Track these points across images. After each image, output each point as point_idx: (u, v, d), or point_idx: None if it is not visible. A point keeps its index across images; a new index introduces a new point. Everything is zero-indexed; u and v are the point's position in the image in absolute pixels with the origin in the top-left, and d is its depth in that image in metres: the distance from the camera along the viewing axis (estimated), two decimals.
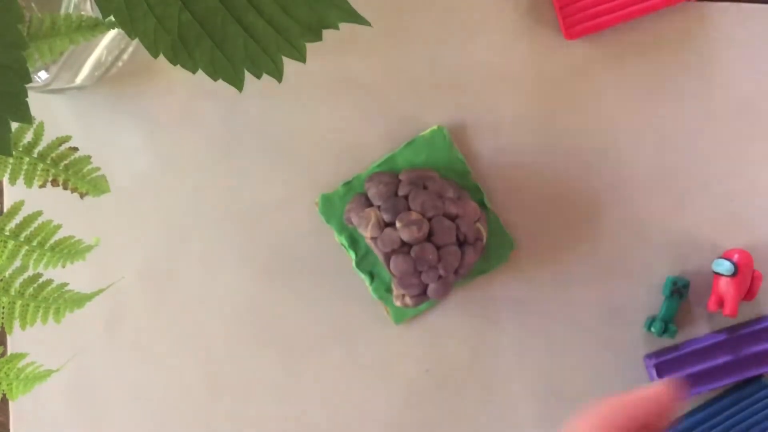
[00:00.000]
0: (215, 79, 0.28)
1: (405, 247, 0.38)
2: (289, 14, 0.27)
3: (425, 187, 0.39)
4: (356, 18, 0.27)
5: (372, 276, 0.41)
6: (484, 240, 0.39)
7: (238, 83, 0.28)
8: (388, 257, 0.38)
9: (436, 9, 0.42)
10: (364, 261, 0.41)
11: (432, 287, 0.38)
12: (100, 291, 0.34)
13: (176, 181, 0.43)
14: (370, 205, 0.39)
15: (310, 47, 0.28)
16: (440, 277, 0.38)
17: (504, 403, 0.42)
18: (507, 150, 0.42)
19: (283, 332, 0.43)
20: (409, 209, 0.38)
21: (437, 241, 0.37)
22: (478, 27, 0.42)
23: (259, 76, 0.28)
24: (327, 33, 0.29)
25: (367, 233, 0.38)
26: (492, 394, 0.42)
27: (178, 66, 0.28)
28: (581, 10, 0.41)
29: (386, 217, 0.38)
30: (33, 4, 0.36)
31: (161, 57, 0.27)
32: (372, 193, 0.39)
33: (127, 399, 0.44)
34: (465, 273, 0.39)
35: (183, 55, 0.27)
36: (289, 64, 0.29)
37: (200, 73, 0.28)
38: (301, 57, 0.28)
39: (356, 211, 0.39)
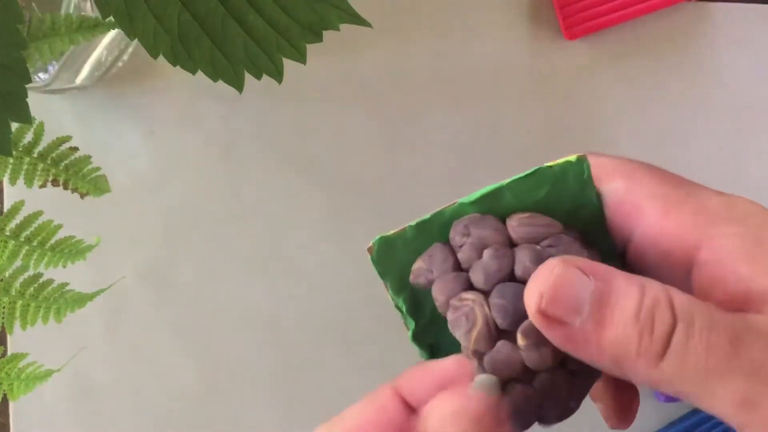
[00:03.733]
0: (215, 80, 0.28)
1: (526, 374, 0.23)
2: (289, 15, 0.27)
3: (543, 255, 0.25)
4: (356, 19, 0.27)
5: (433, 351, 0.27)
6: None
7: (238, 84, 0.28)
8: (498, 389, 0.24)
9: (436, 9, 0.42)
10: (425, 332, 0.27)
11: (548, 418, 0.24)
12: (101, 291, 0.34)
13: (176, 181, 0.43)
14: (463, 278, 0.25)
15: (311, 48, 0.28)
16: (568, 412, 0.24)
17: None
18: (507, 150, 0.42)
19: (284, 332, 0.43)
20: None
21: (572, 364, 0.23)
22: (478, 27, 0.42)
23: (259, 77, 0.28)
24: (327, 34, 0.29)
25: (469, 344, 0.23)
26: None
27: (178, 66, 0.28)
28: (581, 10, 0.41)
29: (501, 322, 0.23)
30: (33, 4, 0.36)
31: (161, 57, 0.27)
32: (467, 256, 0.24)
33: (127, 399, 0.44)
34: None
35: (183, 55, 0.27)
36: (289, 65, 0.29)
37: (200, 73, 0.28)
38: (301, 58, 0.28)
39: (445, 288, 0.25)
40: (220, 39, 0.27)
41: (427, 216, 0.26)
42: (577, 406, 0.24)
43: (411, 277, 0.26)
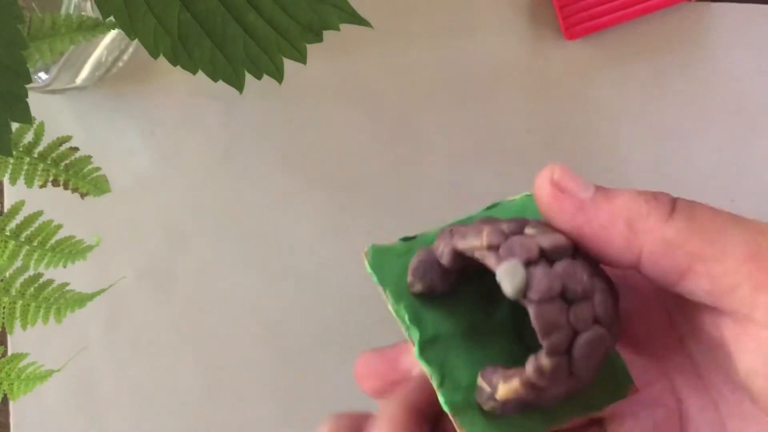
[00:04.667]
0: (215, 80, 0.28)
1: (544, 260, 0.22)
2: (289, 15, 0.27)
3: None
4: (357, 19, 0.27)
5: (443, 374, 0.24)
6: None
7: (238, 84, 0.28)
8: (522, 270, 0.22)
9: (436, 9, 0.42)
10: (432, 348, 0.25)
11: (585, 338, 0.22)
12: (102, 291, 0.34)
13: (176, 181, 0.43)
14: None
15: (311, 48, 0.28)
16: (597, 321, 0.22)
17: None
18: (507, 150, 0.42)
19: (284, 332, 0.43)
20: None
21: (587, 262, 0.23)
22: (478, 27, 0.42)
23: (259, 77, 0.28)
24: (327, 34, 0.29)
25: (481, 241, 0.22)
26: None
27: (179, 67, 0.28)
28: (581, 10, 0.41)
29: (507, 227, 0.23)
30: (33, 4, 0.36)
31: (161, 58, 0.27)
32: (461, 232, 0.24)
33: (127, 399, 0.44)
34: (614, 342, 0.23)
35: (183, 55, 0.27)
36: (289, 65, 0.29)
37: (200, 73, 0.28)
38: (301, 58, 0.28)
39: (443, 238, 0.24)
40: (221, 39, 0.27)
41: (412, 235, 0.26)
42: (606, 327, 0.22)
43: (410, 270, 0.25)
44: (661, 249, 0.20)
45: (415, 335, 0.25)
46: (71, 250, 0.33)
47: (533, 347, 0.22)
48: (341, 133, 0.43)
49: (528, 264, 0.21)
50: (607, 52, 0.42)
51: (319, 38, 0.28)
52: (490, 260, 0.22)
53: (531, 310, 0.21)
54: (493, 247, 0.22)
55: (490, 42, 0.42)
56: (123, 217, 0.43)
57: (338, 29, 0.27)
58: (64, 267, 0.33)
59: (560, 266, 0.22)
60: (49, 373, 0.33)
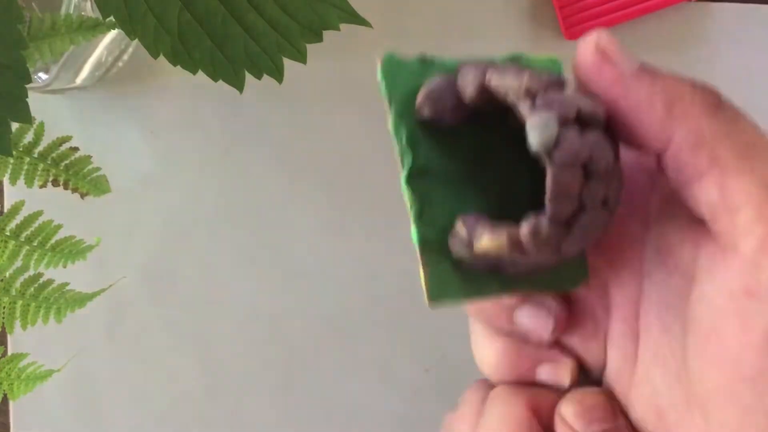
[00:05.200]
0: (215, 80, 0.28)
1: (578, 125, 0.20)
2: (289, 15, 0.27)
3: None
4: (357, 19, 0.27)
5: (422, 206, 0.24)
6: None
7: (238, 84, 0.28)
8: (555, 126, 0.20)
9: (436, 9, 0.42)
10: (420, 179, 0.24)
11: (589, 217, 0.21)
12: (101, 291, 0.34)
13: (176, 181, 0.43)
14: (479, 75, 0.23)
15: (310, 48, 0.28)
16: (605, 204, 0.21)
17: None
18: None
19: (284, 332, 0.43)
20: None
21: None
22: (478, 27, 0.42)
23: (259, 77, 0.28)
24: (327, 34, 0.29)
25: (522, 81, 0.21)
26: None
27: (178, 66, 0.28)
28: (581, 10, 0.41)
29: (548, 78, 0.21)
30: (33, 4, 0.36)
31: (161, 57, 0.27)
32: (497, 70, 0.22)
33: (127, 399, 0.44)
34: (595, 238, 0.22)
35: (183, 55, 0.27)
36: (289, 65, 0.29)
37: (201, 73, 0.28)
38: (301, 58, 0.28)
39: (473, 68, 0.23)
40: (221, 39, 0.27)
41: (429, 56, 0.25)
42: (613, 209, 0.21)
43: (427, 86, 0.24)
44: (693, 141, 0.19)
45: (408, 159, 0.24)
46: (71, 250, 0.33)
47: (523, 212, 0.21)
48: (341, 133, 0.43)
49: (563, 122, 0.20)
50: None
51: (319, 38, 0.28)
52: (524, 106, 0.21)
53: (550, 171, 0.20)
54: (531, 93, 0.21)
55: (490, 42, 0.42)
56: (123, 217, 0.43)
57: (338, 29, 0.27)
58: (64, 267, 0.33)
59: (592, 135, 0.20)
60: (49, 373, 0.33)
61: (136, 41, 0.42)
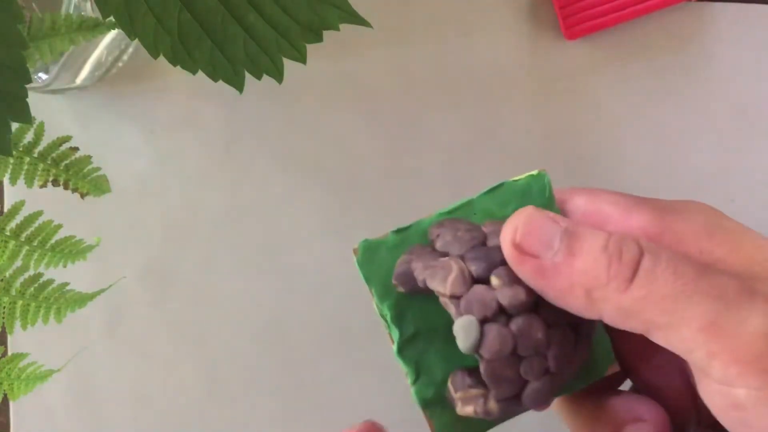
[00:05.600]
0: (215, 80, 0.28)
1: (502, 316, 0.23)
2: (289, 15, 0.27)
3: None
4: (357, 19, 0.27)
5: (418, 371, 0.27)
6: (594, 331, 0.26)
7: (238, 84, 0.28)
8: (476, 329, 0.24)
9: (436, 9, 0.42)
10: (411, 346, 0.27)
11: (534, 387, 0.24)
12: (102, 291, 0.34)
13: (176, 181, 0.43)
14: (440, 254, 0.26)
15: (310, 48, 0.28)
16: (547, 372, 0.24)
17: None
18: (507, 150, 0.42)
19: (284, 332, 0.43)
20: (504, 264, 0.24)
21: (546, 317, 0.24)
22: (478, 27, 0.42)
23: (259, 77, 0.28)
24: (327, 34, 0.29)
25: (445, 288, 0.24)
26: None
27: (179, 67, 0.28)
28: (581, 10, 0.41)
29: (475, 270, 0.24)
30: (33, 4, 0.36)
31: (161, 57, 0.27)
32: (446, 241, 0.25)
33: (127, 399, 0.44)
34: (573, 375, 0.25)
35: (183, 55, 0.27)
36: (289, 65, 0.29)
37: (200, 73, 0.28)
38: (301, 58, 0.28)
39: (423, 260, 0.25)
40: (221, 39, 0.27)
41: (406, 225, 0.27)
42: (558, 373, 0.24)
43: (394, 270, 0.26)
44: (619, 317, 0.21)
45: (395, 334, 0.27)
46: (71, 250, 0.33)
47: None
48: (341, 133, 0.43)
49: (484, 321, 0.23)
50: (607, 52, 0.42)
51: (319, 38, 0.28)
52: (451, 309, 0.24)
53: (481, 365, 0.23)
54: (455, 297, 0.23)
55: (490, 42, 0.42)
56: (123, 217, 0.43)
57: (338, 29, 0.27)
58: (64, 267, 0.33)
59: (516, 324, 0.23)
60: (49, 373, 0.33)
61: (136, 41, 0.42)
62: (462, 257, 0.24)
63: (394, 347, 0.27)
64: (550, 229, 0.22)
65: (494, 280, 0.23)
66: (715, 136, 0.42)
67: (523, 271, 0.22)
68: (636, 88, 0.42)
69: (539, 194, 0.27)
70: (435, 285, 0.24)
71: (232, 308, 0.43)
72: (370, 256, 0.27)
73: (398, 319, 0.27)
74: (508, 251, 0.22)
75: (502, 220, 0.25)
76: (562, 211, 0.26)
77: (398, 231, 0.27)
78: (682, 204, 0.25)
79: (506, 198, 0.27)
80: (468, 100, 0.42)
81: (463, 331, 0.23)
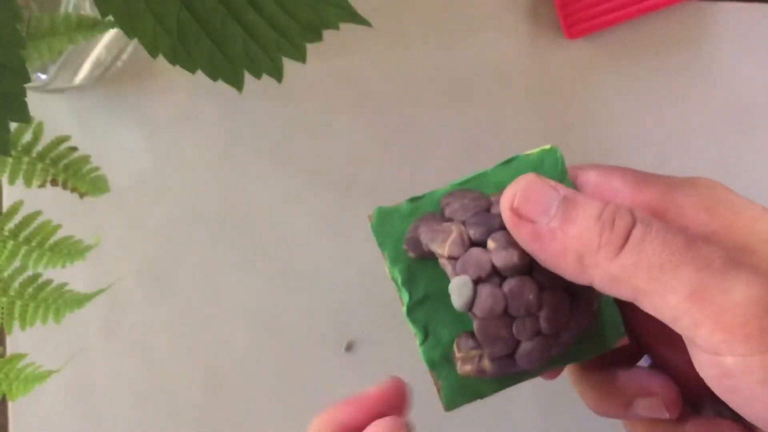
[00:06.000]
0: (215, 80, 0.28)
1: (496, 277, 0.24)
2: (289, 14, 0.27)
3: None
4: (356, 18, 0.27)
5: (426, 332, 0.28)
6: (598, 302, 0.27)
7: (237, 83, 0.28)
8: (470, 288, 0.24)
9: (436, 9, 0.42)
10: (420, 309, 0.28)
11: (525, 347, 0.25)
12: (100, 291, 0.34)
13: (176, 181, 0.43)
14: (446, 220, 0.27)
15: (310, 47, 0.28)
16: (539, 333, 0.25)
17: None
18: (507, 150, 0.42)
19: (284, 331, 0.43)
20: (503, 229, 0.25)
21: (541, 280, 0.24)
22: (478, 26, 0.42)
23: (258, 76, 0.28)
24: (327, 33, 0.28)
25: (444, 250, 0.25)
26: None
27: (178, 66, 0.28)
28: (582, 9, 0.41)
29: (474, 233, 0.25)
30: (32, 3, 0.36)
31: (161, 57, 0.27)
32: (453, 208, 0.26)
33: (126, 399, 0.43)
34: (571, 339, 0.26)
35: (182, 54, 0.27)
36: (288, 65, 0.29)
37: (200, 73, 0.28)
38: (301, 57, 0.28)
39: (429, 225, 0.26)
40: (220, 38, 0.27)
41: (421, 194, 0.28)
42: (552, 336, 0.25)
43: (407, 239, 0.27)
44: (608, 283, 0.21)
45: (405, 297, 0.28)
46: (70, 250, 0.33)
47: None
48: (341, 132, 0.43)
49: (478, 281, 0.24)
50: (607, 52, 0.42)
51: (318, 37, 0.28)
52: (448, 269, 0.25)
53: (474, 324, 0.24)
54: (453, 258, 0.25)
55: (490, 42, 0.42)
56: (122, 217, 0.43)
57: (338, 28, 0.27)
58: (63, 267, 0.33)
59: (508, 285, 0.24)
60: (48, 374, 0.33)
61: (135, 41, 0.42)
62: (464, 222, 0.25)
63: (404, 309, 0.28)
64: (548, 196, 0.22)
65: (490, 244, 0.24)
66: (715, 136, 0.42)
67: (520, 234, 0.23)
68: (636, 87, 0.42)
69: (552, 168, 0.28)
70: (435, 247, 0.25)
71: (231, 308, 0.43)
72: (384, 222, 0.28)
73: (408, 282, 0.28)
74: (506, 215, 0.23)
75: None
76: (575, 185, 0.27)
77: (412, 200, 0.28)
78: (691, 180, 0.26)
79: (519, 171, 0.28)
80: (468, 99, 0.42)
81: (458, 289, 0.24)
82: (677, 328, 0.21)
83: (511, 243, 0.24)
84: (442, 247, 0.25)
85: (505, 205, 0.23)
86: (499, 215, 0.25)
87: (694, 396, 0.26)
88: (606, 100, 0.42)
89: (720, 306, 0.20)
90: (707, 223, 0.23)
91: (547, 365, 0.26)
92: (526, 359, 0.25)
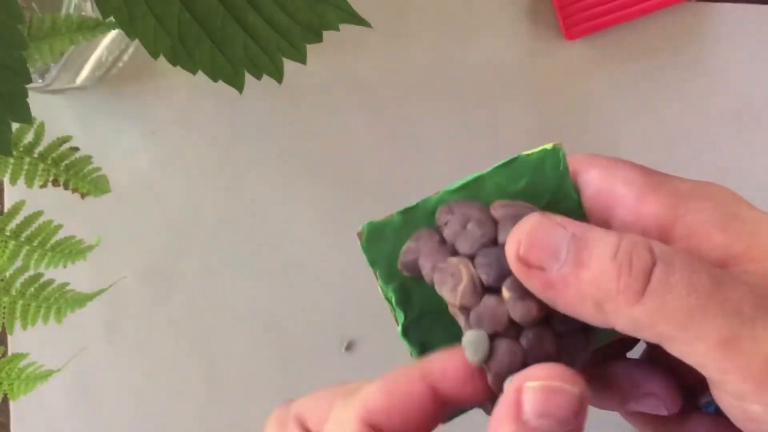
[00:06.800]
0: (215, 80, 0.28)
1: (512, 330, 0.23)
2: (289, 15, 0.27)
3: None
4: (356, 19, 0.27)
5: (422, 350, 0.27)
6: None
7: (237, 84, 0.28)
8: (486, 344, 0.23)
9: (436, 9, 0.42)
10: (416, 327, 0.27)
11: None
12: (101, 291, 0.34)
13: (176, 181, 0.43)
14: (448, 249, 0.25)
15: (310, 48, 0.28)
16: None
17: None
18: (507, 150, 0.42)
19: (284, 331, 0.43)
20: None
21: (557, 325, 0.23)
22: (478, 27, 0.42)
23: (259, 77, 0.28)
24: (327, 34, 0.29)
25: (455, 299, 0.23)
26: None
27: (178, 67, 0.28)
28: (581, 10, 0.41)
29: (486, 278, 0.23)
30: (33, 4, 0.36)
31: (161, 58, 0.27)
32: (453, 231, 0.25)
33: (127, 399, 0.44)
34: (580, 367, 0.25)
35: (183, 55, 0.27)
36: (288, 65, 0.29)
37: (200, 73, 0.28)
38: (301, 58, 0.28)
39: (431, 257, 0.24)
40: (220, 39, 0.27)
41: (413, 204, 0.26)
42: None
43: (400, 258, 0.26)
44: (632, 329, 0.20)
45: (400, 317, 0.26)
46: (71, 250, 0.33)
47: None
48: (341, 132, 0.43)
49: (494, 336, 0.22)
50: (607, 52, 0.42)
51: (318, 38, 0.28)
52: (460, 320, 0.23)
53: (489, 378, 0.23)
54: (465, 309, 0.23)
55: (490, 42, 0.42)
56: (123, 217, 0.43)
57: (338, 29, 0.27)
58: (64, 267, 0.33)
59: (526, 339, 0.22)
60: (49, 373, 0.33)
61: (136, 41, 0.42)
62: (472, 259, 0.23)
63: (399, 329, 0.27)
64: (556, 237, 0.21)
65: (505, 293, 0.22)
66: (715, 136, 0.42)
67: (531, 284, 0.21)
68: (636, 87, 0.42)
69: (553, 170, 0.26)
70: (444, 293, 0.23)
71: (231, 307, 0.43)
72: (375, 239, 0.26)
73: (403, 302, 0.26)
74: (514, 265, 0.21)
75: (512, 201, 0.25)
76: (575, 186, 0.25)
77: (404, 211, 0.26)
78: (700, 189, 0.24)
79: (518, 172, 0.27)
80: (468, 99, 0.42)
81: (473, 345, 0.22)
82: (703, 372, 0.20)
83: (528, 292, 0.22)
84: (454, 295, 0.23)
85: (510, 254, 0.21)
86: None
87: (691, 387, 0.25)
88: (606, 100, 0.42)
89: (749, 356, 0.19)
90: (724, 245, 0.22)
91: None
92: None
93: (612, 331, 0.25)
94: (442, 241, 0.25)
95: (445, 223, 0.25)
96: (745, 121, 0.42)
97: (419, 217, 0.26)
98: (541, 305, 0.22)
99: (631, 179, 0.24)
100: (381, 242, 0.26)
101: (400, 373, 0.22)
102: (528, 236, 0.21)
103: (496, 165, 0.27)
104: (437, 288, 0.24)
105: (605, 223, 0.24)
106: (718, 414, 0.23)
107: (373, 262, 0.26)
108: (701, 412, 0.26)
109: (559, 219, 0.21)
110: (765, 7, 0.42)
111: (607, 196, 0.24)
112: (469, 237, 0.24)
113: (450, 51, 0.43)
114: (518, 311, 0.22)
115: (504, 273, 0.23)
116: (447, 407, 0.22)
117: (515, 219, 0.24)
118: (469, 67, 0.42)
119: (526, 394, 0.20)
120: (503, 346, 0.22)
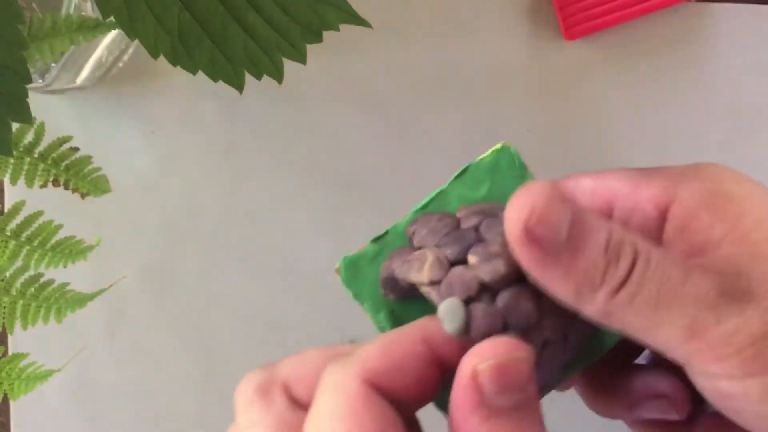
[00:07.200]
0: (215, 80, 0.28)
1: (487, 293, 0.22)
2: (289, 15, 0.27)
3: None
4: (356, 19, 0.27)
5: None
6: None
7: (238, 84, 0.28)
8: (462, 310, 0.22)
9: (436, 9, 0.42)
10: None
11: (536, 365, 0.22)
12: (102, 291, 0.34)
13: (177, 181, 0.43)
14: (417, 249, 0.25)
15: (310, 48, 0.28)
16: (547, 343, 0.22)
17: None
18: None
19: (284, 332, 0.43)
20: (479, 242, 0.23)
21: (534, 285, 0.22)
22: (478, 27, 0.42)
23: (259, 77, 0.28)
24: (327, 34, 0.29)
25: (423, 277, 0.22)
26: None
27: (179, 67, 0.28)
28: (581, 10, 0.41)
29: (451, 253, 0.23)
30: (33, 4, 0.36)
31: (161, 58, 0.28)
32: (421, 235, 0.24)
33: (127, 399, 0.44)
34: (579, 342, 0.24)
35: (183, 55, 0.27)
36: (288, 65, 0.29)
37: (200, 73, 0.28)
38: (301, 58, 0.28)
39: (401, 258, 0.24)
40: (220, 39, 0.27)
41: (382, 232, 0.26)
42: (560, 343, 0.23)
43: (380, 279, 0.25)
44: (599, 316, 0.21)
45: None
46: (71, 250, 0.33)
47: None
48: (341, 133, 0.43)
49: (468, 301, 0.22)
50: (607, 52, 0.42)
51: (318, 38, 0.28)
52: (432, 296, 0.22)
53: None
54: (435, 283, 0.22)
55: (490, 42, 0.42)
56: (123, 217, 0.43)
57: (338, 29, 0.27)
58: (65, 267, 0.33)
59: (502, 299, 0.21)
60: (50, 373, 0.33)
61: (136, 41, 0.42)
62: (437, 246, 0.23)
63: None
64: (562, 213, 0.20)
65: (471, 259, 0.22)
66: (715, 136, 0.42)
67: (524, 254, 0.20)
68: (636, 88, 0.42)
69: (509, 167, 0.27)
70: (413, 276, 0.23)
71: (232, 308, 0.43)
72: (354, 272, 0.26)
73: (395, 325, 0.26)
74: (515, 231, 0.20)
75: (474, 204, 0.25)
76: (574, 197, 0.26)
77: (376, 240, 0.26)
78: (695, 169, 0.25)
79: (476, 179, 0.27)
80: (468, 99, 0.42)
81: (449, 314, 0.21)
82: (674, 357, 0.21)
83: (493, 253, 0.22)
84: (420, 274, 0.23)
85: (517, 218, 0.20)
86: (472, 229, 0.23)
87: (695, 391, 0.26)
88: (605, 100, 0.42)
89: (712, 336, 0.20)
90: (711, 225, 0.22)
91: (562, 375, 0.24)
92: (540, 373, 0.22)
93: (616, 337, 0.26)
94: (413, 248, 0.25)
95: (413, 233, 0.25)
96: (744, 122, 0.42)
97: (391, 242, 0.26)
98: (509, 262, 0.21)
99: (625, 175, 0.25)
100: (360, 274, 0.26)
101: (400, 334, 0.22)
102: (543, 209, 0.20)
103: (452, 177, 0.27)
104: (407, 277, 0.23)
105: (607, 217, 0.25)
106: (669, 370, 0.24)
107: (357, 296, 0.26)
108: (707, 418, 0.26)
109: (562, 195, 0.21)
110: (765, 7, 0.42)
111: (604, 192, 0.25)
112: (433, 231, 0.24)
113: (450, 51, 0.43)
114: (487, 271, 0.22)
115: (468, 246, 0.22)
116: (445, 376, 0.22)
117: (479, 213, 0.24)
118: (469, 67, 0.42)
119: (483, 376, 0.19)
120: (479, 309, 0.21)
